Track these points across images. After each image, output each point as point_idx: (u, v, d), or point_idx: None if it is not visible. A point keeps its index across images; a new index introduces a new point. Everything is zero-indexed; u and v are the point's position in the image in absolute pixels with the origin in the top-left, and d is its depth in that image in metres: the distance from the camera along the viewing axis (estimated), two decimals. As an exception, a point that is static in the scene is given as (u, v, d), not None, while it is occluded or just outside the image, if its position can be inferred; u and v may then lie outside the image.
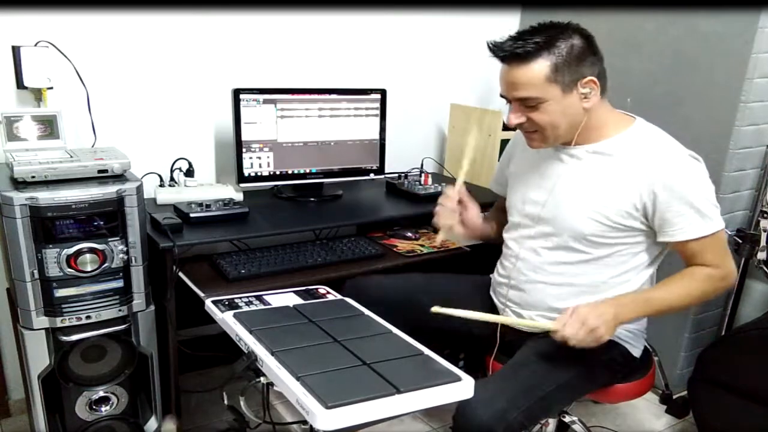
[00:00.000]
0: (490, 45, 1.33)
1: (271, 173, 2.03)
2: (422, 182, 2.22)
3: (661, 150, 1.34)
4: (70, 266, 1.46)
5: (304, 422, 1.17)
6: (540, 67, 1.28)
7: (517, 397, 1.26)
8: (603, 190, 1.36)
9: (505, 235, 1.57)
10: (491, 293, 1.62)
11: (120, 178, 1.55)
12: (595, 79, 1.31)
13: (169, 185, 1.99)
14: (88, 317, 1.52)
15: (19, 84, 1.70)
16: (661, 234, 1.34)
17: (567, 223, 1.40)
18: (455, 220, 1.56)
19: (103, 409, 1.62)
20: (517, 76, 1.30)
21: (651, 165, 1.31)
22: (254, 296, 1.43)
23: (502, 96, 1.38)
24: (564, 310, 1.43)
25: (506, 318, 1.50)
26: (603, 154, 1.38)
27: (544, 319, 1.46)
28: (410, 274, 1.69)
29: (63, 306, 1.48)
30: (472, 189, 2.21)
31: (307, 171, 2.09)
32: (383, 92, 2.14)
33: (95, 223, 1.47)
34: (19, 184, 1.44)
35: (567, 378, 1.34)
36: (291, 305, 1.37)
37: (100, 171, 1.52)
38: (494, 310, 1.58)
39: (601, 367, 1.41)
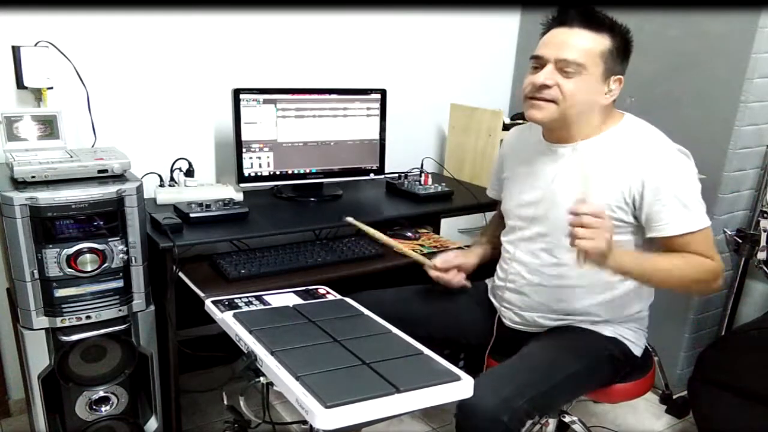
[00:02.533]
0: (563, 5, 1.33)
1: (271, 173, 2.03)
2: (422, 182, 2.22)
3: (650, 144, 1.34)
4: (70, 266, 1.46)
5: (304, 422, 1.17)
6: (603, 40, 1.30)
7: (522, 385, 1.27)
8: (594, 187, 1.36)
9: (503, 239, 1.57)
10: (489, 296, 1.62)
11: (120, 178, 1.55)
12: (623, 80, 1.34)
13: (169, 185, 1.99)
14: (88, 317, 1.52)
15: (19, 84, 1.70)
16: (648, 229, 1.33)
17: (561, 222, 1.39)
18: (459, 277, 1.59)
19: (103, 409, 1.62)
20: (577, 38, 1.30)
21: (640, 158, 1.31)
22: (254, 296, 1.42)
23: (535, 56, 1.34)
24: (562, 310, 1.44)
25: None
26: (593, 151, 1.37)
27: (544, 320, 1.47)
28: (407, 287, 1.69)
29: (63, 306, 1.49)
30: (472, 189, 2.23)
31: (307, 171, 2.09)
32: (383, 92, 2.14)
33: (95, 223, 1.47)
34: (19, 184, 1.44)
35: (572, 370, 1.35)
36: (291, 305, 1.37)
37: (100, 171, 1.52)
38: (493, 313, 1.58)
39: (604, 363, 1.41)
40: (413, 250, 1.92)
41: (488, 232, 1.73)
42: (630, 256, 1.30)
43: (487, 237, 1.71)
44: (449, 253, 1.62)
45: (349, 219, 1.41)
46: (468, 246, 1.94)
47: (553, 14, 1.35)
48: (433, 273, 1.58)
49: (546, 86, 1.31)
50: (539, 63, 1.34)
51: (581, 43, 1.29)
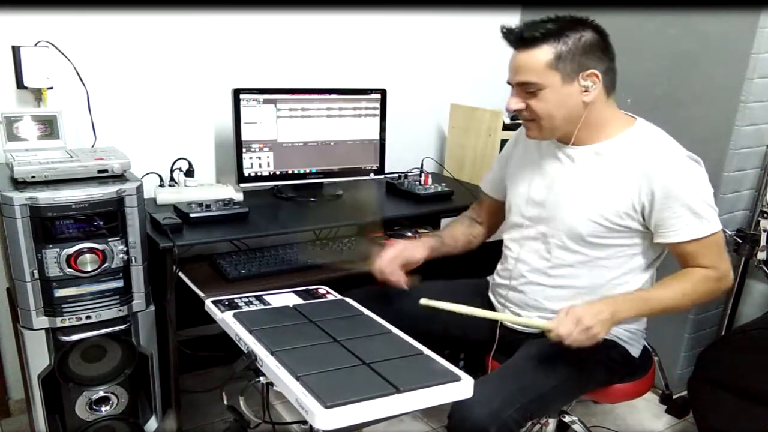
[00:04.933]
0: (503, 30, 1.34)
1: (271, 173, 2.03)
2: (422, 182, 2.22)
3: (660, 151, 1.33)
4: (70, 266, 1.46)
5: (304, 422, 1.17)
6: (543, 53, 1.29)
7: (512, 395, 1.27)
8: (602, 191, 1.36)
9: (505, 236, 1.57)
10: (490, 294, 1.62)
11: (120, 178, 1.55)
12: (598, 73, 1.31)
13: (169, 185, 1.99)
14: (88, 317, 1.52)
15: (19, 84, 1.70)
16: (657, 235, 1.34)
17: (565, 224, 1.40)
18: (402, 279, 1.50)
19: (103, 409, 1.62)
20: (521, 60, 1.32)
21: (649, 166, 1.31)
22: (254, 296, 1.43)
23: (508, 83, 1.39)
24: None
25: (500, 314, 1.49)
26: (603, 155, 1.37)
27: (543, 319, 1.46)
28: None
29: (63, 306, 1.49)
30: (472, 189, 2.23)
31: (307, 171, 2.09)
32: (383, 92, 2.14)
33: (95, 223, 1.47)
34: (19, 184, 1.44)
35: (564, 378, 1.34)
36: (291, 305, 1.37)
37: (100, 171, 1.52)
38: (493, 311, 1.58)
39: (599, 368, 1.41)
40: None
41: (452, 229, 1.68)
42: (633, 306, 1.32)
43: (449, 232, 1.67)
44: (393, 249, 1.52)
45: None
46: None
47: (502, 36, 1.37)
48: (378, 277, 1.50)
49: (519, 109, 1.36)
50: (510, 86, 1.38)
51: (526, 63, 1.31)
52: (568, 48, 1.28)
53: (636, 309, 1.33)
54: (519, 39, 1.32)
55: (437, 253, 1.61)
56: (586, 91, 1.32)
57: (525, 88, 1.33)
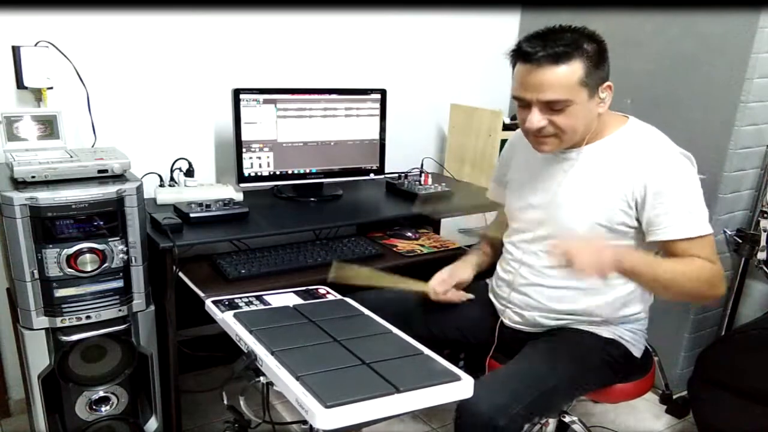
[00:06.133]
0: (522, 44, 1.28)
1: (271, 173, 2.03)
2: (422, 182, 2.22)
3: (653, 147, 1.34)
4: (70, 266, 1.46)
5: (304, 422, 1.17)
6: (575, 68, 1.25)
7: (519, 391, 1.27)
8: (600, 191, 1.36)
9: (505, 240, 1.57)
10: (490, 296, 1.62)
11: (120, 178, 1.55)
12: (612, 85, 1.31)
13: (169, 185, 1.99)
14: (88, 317, 1.52)
15: (19, 84, 1.70)
16: (648, 233, 1.32)
17: (568, 227, 1.40)
18: (459, 294, 1.59)
19: (103, 409, 1.62)
20: (549, 77, 1.25)
21: (643, 162, 1.31)
22: (254, 296, 1.43)
23: (517, 98, 1.33)
24: (563, 310, 1.44)
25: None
26: (599, 154, 1.38)
27: (545, 320, 1.47)
28: None
29: (63, 306, 1.49)
30: (472, 189, 2.23)
31: (307, 171, 2.09)
32: (383, 92, 2.14)
33: (95, 223, 1.47)
34: (19, 184, 1.44)
35: (569, 374, 1.35)
36: (291, 305, 1.37)
37: (100, 171, 1.52)
38: (494, 313, 1.58)
39: (602, 365, 1.42)
40: (412, 249, 1.93)
41: (490, 235, 1.72)
42: (641, 258, 1.28)
43: (488, 241, 1.70)
44: (443, 272, 1.59)
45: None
46: (468, 247, 1.94)
47: (515, 49, 1.30)
48: (434, 298, 1.57)
49: (543, 127, 1.31)
50: (524, 103, 1.33)
51: (557, 81, 1.25)
52: (591, 62, 1.27)
53: (641, 263, 1.26)
54: (545, 55, 1.24)
55: (481, 268, 1.65)
56: (601, 102, 1.32)
57: (551, 105, 1.28)
